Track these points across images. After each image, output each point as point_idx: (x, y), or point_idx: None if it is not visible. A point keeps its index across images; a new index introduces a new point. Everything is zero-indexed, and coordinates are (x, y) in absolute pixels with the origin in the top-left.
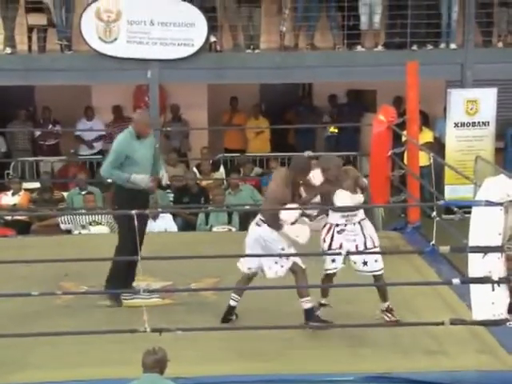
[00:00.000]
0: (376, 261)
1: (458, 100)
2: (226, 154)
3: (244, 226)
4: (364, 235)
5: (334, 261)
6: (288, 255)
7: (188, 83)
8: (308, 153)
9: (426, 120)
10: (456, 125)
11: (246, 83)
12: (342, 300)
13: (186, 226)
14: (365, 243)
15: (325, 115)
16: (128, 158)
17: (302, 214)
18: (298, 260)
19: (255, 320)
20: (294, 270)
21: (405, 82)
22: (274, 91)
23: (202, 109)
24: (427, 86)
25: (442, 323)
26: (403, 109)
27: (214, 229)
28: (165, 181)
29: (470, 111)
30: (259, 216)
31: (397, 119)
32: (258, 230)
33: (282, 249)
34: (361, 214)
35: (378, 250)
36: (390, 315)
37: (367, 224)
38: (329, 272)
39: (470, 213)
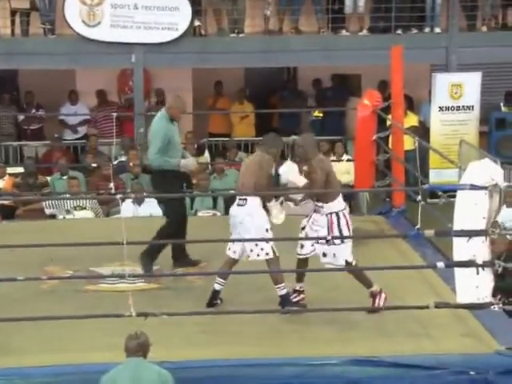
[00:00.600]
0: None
1: (442, 84)
2: (210, 139)
3: (229, 210)
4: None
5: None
6: (271, 239)
7: (172, 67)
8: (293, 138)
9: (411, 104)
10: (441, 109)
11: (230, 67)
12: (328, 287)
13: None
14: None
15: (309, 99)
16: (171, 143)
17: (286, 199)
18: (273, 246)
19: (239, 304)
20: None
21: (389, 66)
22: (258, 75)
23: (187, 93)
24: (412, 70)
25: (427, 307)
26: (388, 93)
27: (199, 213)
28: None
29: (454, 95)
30: (239, 197)
31: (381, 103)
32: (241, 211)
33: (267, 230)
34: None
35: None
36: (376, 300)
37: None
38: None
39: (454, 197)
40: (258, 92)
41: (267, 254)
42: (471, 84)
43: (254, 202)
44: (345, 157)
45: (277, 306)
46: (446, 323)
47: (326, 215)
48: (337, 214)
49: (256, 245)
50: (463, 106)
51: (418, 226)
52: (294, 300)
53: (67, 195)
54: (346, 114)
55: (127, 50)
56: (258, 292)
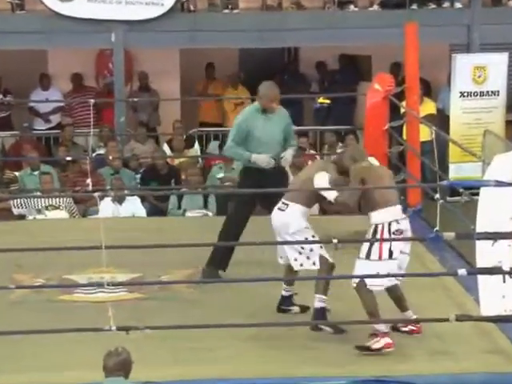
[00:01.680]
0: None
1: (463, 66)
2: (201, 129)
3: (222, 210)
4: None
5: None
6: (304, 242)
7: (158, 48)
8: (293, 127)
9: (428, 89)
10: (462, 94)
11: (223, 48)
12: (331, 296)
13: (156, 210)
14: None
15: (313, 84)
16: (250, 135)
17: None
18: (324, 253)
19: (233, 316)
20: (320, 262)
21: (403, 46)
22: (255, 57)
23: (174, 77)
24: (429, 50)
25: (447, 320)
26: (402, 76)
27: (188, 213)
28: (284, 162)
29: (477, 79)
30: (283, 199)
31: (394, 88)
32: (280, 217)
33: (306, 238)
34: None
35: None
36: (375, 341)
37: None
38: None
39: (477, 194)
40: (254, 76)
41: (314, 263)
42: (496, 66)
43: (296, 208)
44: None
45: (279, 318)
46: (469, 338)
47: (372, 226)
48: (375, 227)
49: (300, 253)
50: (487, 92)
51: (437, 228)
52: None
53: (38, 193)
54: (354, 101)
55: (106, 27)
56: (255, 300)
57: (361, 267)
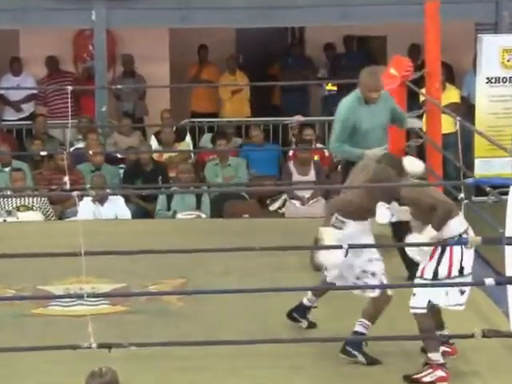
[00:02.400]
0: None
1: (491, 49)
2: (193, 119)
3: (217, 211)
4: None
5: (463, 292)
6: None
7: (144, 28)
8: (298, 117)
9: (451, 74)
10: (489, 80)
11: (218, 28)
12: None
13: (142, 211)
14: None
15: (320, 69)
16: (355, 129)
17: (292, 197)
18: (386, 280)
19: (231, 332)
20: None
21: (423, 25)
22: (254, 38)
23: (163, 61)
24: (452, 30)
25: (472, 336)
26: (421, 60)
27: (179, 215)
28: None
29: (506, 63)
30: (337, 215)
31: (413, 73)
32: (337, 234)
33: (370, 260)
34: None
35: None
36: (427, 373)
37: None
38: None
39: (507, 194)
40: (253, 60)
41: (374, 290)
42: None
43: (354, 226)
44: None
45: (288, 335)
46: (496, 357)
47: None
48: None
49: (358, 278)
50: None
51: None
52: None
53: (9, 192)
54: None
55: (86, 4)
56: (253, 314)
57: (424, 290)
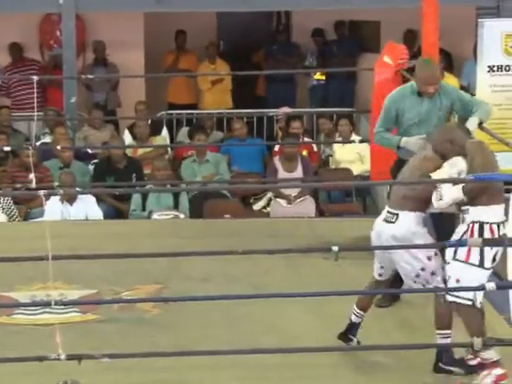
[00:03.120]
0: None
1: (493, 35)
2: (170, 111)
3: (196, 211)
4: None
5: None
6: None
7: (116, 12)
8: (284, 109)
9: (450, 62)
10: (491, 69)
11: (197, 12)
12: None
13: (115, 211)
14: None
15: (308, 56)
16: (399, 119)
17: (278, 196)
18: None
19: (212, 341)
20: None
21: (419, 9)
22: (236, 23)
23: (137, 48)
24: (451, 15)
25: (472, 344)
26: (417, 47)
27: (155, 215)
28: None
29: (509, 49)
30: (388, 207)
31: (408, 61)
32: (388, 229)
33: (429, 258)
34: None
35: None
36: (486, 374)
37: None
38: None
39: (510, 191)
40: (235, 47)
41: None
42: None
43: (409, 217)
44: (355, 137)
45: (272, 344)
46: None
47: (468, 224)
48: (481, 225)
49: (414, 281)
50: None
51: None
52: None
53: None
54: (357, 77)
55: None
56: (236, 325)
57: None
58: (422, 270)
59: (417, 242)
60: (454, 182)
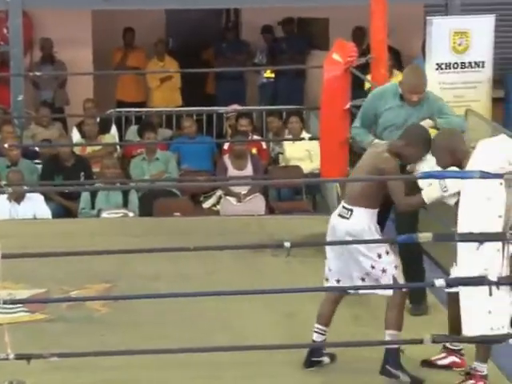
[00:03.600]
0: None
1: (441, 32)
2: (119, 109)
3: (145, 209)
4: None
5: None
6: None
7: (64, 9)
8: (234, 107)
9: (398, 60)
10: (439, 66)
11: (146, 9)
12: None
13: (64, 210)
14: None
15: (258, 54)
16: (377, 121)
17: (227, 194)
18: (400, 276)
19: (165, 340)
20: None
21: (368, 7)
22: (185, 21)
23: (85, 46)
24: (399, 12)
25: (421, 341)
26: (366, 44)
27: (104, 214)
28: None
29: (458, 47)
30: (343, 203)
31: (357, 59)
32: (343, 225)
33: (379, 255)
34: None
35: None
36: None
37: None
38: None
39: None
40: (184, 44)
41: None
42: (481, 32)
43: (362, 213)
44: (305, 134)
45: (225, 342)
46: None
47: None
48: None
49: (367, 274)
50: (470, 63)
51: None
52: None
53: None
54: (306, 74)
55: None
56: (187, 323)
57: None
58: (372, 267)
59: (366, 239)
60: (406, 179)
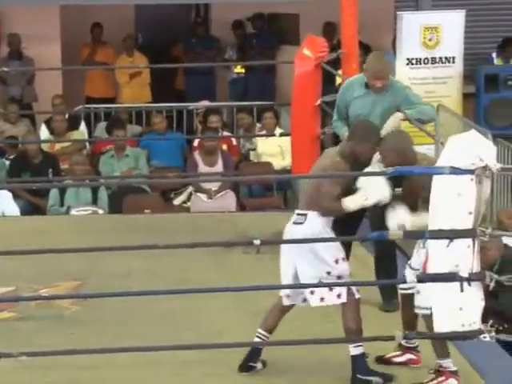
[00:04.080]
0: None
1: (411, 27)
2: (87, 105)
3: (115, 207)
4: None
5: None
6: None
7: (32, 4)
8: (204, 103)
9: (368, 55)
10: (409, 61)
11: (114, 4)
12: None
13: (32, 207)
14: None
15: (228, 50)
16: (348, 111)
17: (198, 190)
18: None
19: (134, 339)
20: (347, 296)
21: (338, 2)
22: (155, 16)
23: (53, 41)
24: (370, 8)
25: (393, 338)
26: (337, 40)
27: (73, 211)
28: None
29: (428, 43)
30: (297, 210)
31: (328, 54)
32: (298, 231)
33: (336, 261)
34: None
35: None
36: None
37: None
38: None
39: None
40: (154, 40)
41: (339, 296)
42: (452, 27)
43: (317, 217)
44: (276, 130)
45: (197, 341)
46: (422, 360)
47: None
48: None
49: (321, 281)
50: (441, 58)
51: None
52: None
53: None
54: (276, 70)
55: None
56: (158, 322)
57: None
58: (328, 273)
59: (322, 245)
60: (374, 175)
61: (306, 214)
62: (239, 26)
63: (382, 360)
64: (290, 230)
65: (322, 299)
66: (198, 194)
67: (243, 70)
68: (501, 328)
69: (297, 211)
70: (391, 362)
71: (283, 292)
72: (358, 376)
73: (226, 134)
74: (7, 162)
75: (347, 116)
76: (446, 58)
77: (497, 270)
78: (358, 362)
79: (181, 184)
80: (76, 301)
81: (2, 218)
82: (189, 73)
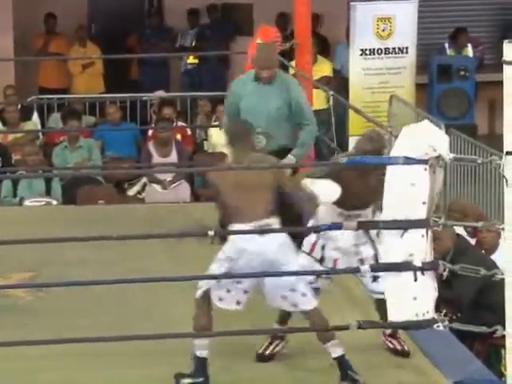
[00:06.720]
0: None
1: (365, 18)
2: (40, 96)
3: (69, 198)
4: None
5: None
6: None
7: None
8: (160, 93)
9: (323, 46)
10: (363, 52)
11: None
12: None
13: None
14: None
15: (179, 38)
16: (239, 106)
17: (152, 181)
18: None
19: (91, 330)
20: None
21: None
22: (108, 6)
23: (6, 31)
24: None
25: (347, 328)
26: (290, 30)
27: (26, 202)
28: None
29: (381, 33)
30: (254, 222)
31: (281, 44)
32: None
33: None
34: None
35: None
36: (394, 341)
37: None
38: None
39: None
40: (107, 30)
41: (310, 301)
42: (404, 18)
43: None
44: None
45: (151, 331)
46: (374, 351)
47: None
48: None
49: (293, 290)
50: (394, 49)
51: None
52: None
53: None
54: (230, 60)
55: None
56: (112, 311)
57: None
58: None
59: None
60: (329, 165)
61: (268, 224)
62: (194, 17)
63: None
64: (260, 245)
65: (294, 305)
66: (153, 184)
67: (196, 61)
68: (454, 317)
69: (254, 223)
70: None
71: (215, 295)
72: (350, 373)
73: (180, 124)
74: None
75: (238, 112)
76: (399, 49)
77: (450, 259)
78: (345, 361)
79: (135, 175)
80: (30, 291)
81: None
82: (143, 63)
